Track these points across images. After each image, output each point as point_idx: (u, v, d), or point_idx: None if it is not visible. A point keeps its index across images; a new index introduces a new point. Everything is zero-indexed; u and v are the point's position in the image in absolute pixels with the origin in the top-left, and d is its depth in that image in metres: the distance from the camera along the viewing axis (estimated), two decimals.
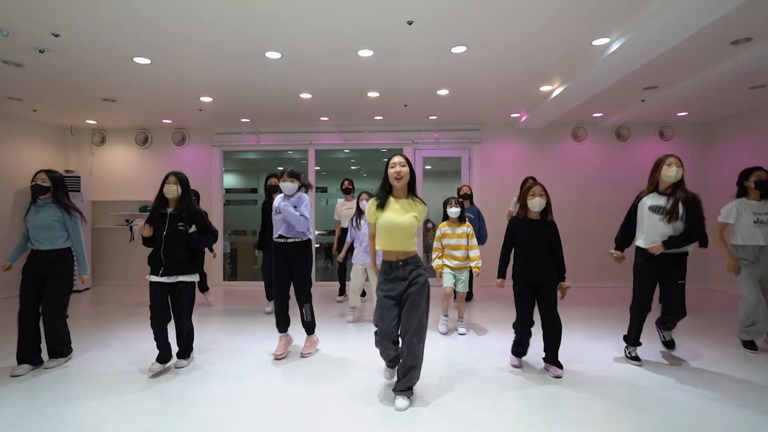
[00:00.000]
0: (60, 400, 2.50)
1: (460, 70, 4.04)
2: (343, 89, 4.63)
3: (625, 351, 3.19)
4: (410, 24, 3.06)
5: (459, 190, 5.16)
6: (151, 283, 2.92)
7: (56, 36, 3.19)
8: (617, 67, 3.74)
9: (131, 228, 6.33)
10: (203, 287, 4.96)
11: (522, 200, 2.96)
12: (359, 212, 4.18)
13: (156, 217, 2.95)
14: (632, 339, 3.13)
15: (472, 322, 4.24)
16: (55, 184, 3.01)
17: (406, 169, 2.48)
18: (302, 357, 3.20)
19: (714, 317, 4.47)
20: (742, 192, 3.46)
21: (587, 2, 2.83)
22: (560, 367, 2.90)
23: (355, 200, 5.26)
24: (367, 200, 4.01)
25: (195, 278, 3.03)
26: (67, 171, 6.47)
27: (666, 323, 3.19)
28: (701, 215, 2.87)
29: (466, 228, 3.83)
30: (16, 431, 2.14)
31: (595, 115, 5.92)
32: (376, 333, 2.55)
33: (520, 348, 3.04)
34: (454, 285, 3.82)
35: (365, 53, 3.60)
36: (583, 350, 3.39)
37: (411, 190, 2.53)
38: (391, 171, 2.49)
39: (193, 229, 2.95)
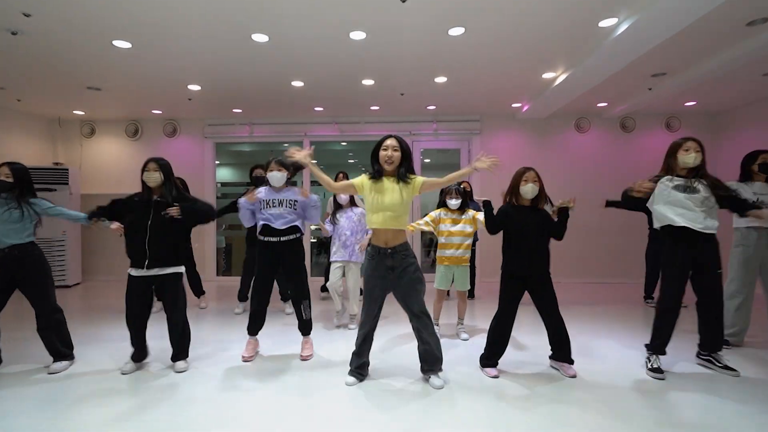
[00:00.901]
0: (46, 405, 2.34)
1: (459, 54, 3.84)
2: (337, 76, 4.43)
3: (646, 360, 2.79)
4: (404, 2, 2.86)
5: (459, 185, 4.84)
6: (132, 277, 2.73)
7: (27, 16, 2.99)
8: (625, 50, 3.52)
9: None
10: (198, 291, 4.66)
11: (514, 185, 2.76)
12: (337, 206, 3.92)
13: (139, 205, 2.73)
14: (658, 345, 2.73)
15: (473, 324, 3.98)
16: (19, 181, 2.79)
17: (398, 153, 2.42)
18: (303, 360, 2.97)
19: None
20: (746, 176, 3.27)
21: None
22: (572, 363, 2.73)
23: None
24: (344, 194, 3.85)
25: (182, 269, 2.84)
26: (56, 163, 6.29)
27: (711, 341, 2.76)
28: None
29: (470, 213, 3.47)
30: None
31: (599, 105, 5.70)
32: (361, 329, 2.49)
33: (492, 355, 2.75)
34: (452, 283, 3.48)
35: (357, 35, 3.40)
36: (590, 350, 3.21)
37: (404, 172, 2.47)
38: (382, 153, 2.43)
39: (175, 212, 2.69)
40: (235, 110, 5.91)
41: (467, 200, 3.51)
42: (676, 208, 2.63)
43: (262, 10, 2.99)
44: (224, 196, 7.32)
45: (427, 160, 7.84)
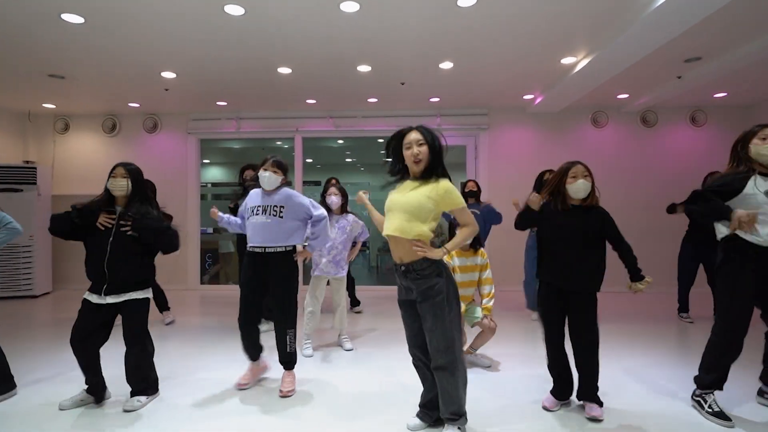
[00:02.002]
0: None
1: (468, 31, 3.31)
2: (328, 61, 3.91)
3: (700, 400, 2.23)
4: None
5: (464, 185, 4.27)
6: (86, 302, 2.25)
7: None
8: (663, 27, 3.00)
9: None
10: (162, 306, 4.09)
11: (554, 187, 2.24)
12: (327, 210, 3.28)
13: (96, 216, 2.26)
14: (715, 380, 2.19)
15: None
16: None
17: (425, 148, 1.89)
18: (282, 396, 2.45)
19: None
20: None
21: None
22: (600, 404, 2.21)
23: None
24: (337, 195, 3.28)
25: (148, 294, 2.34)
26: (26, 162, 5.78)
27: None
28: None
29: (480, 259, 2.84)
30: None
31: (619, 96, 5.18)
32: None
33: (562, 390, 2.29)
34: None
35: (350, 7, 2.87)
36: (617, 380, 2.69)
37: (431, 172, 1.91)
38: (407, 153, 1.91)
39: (128, 230, 2.24)
40: (219, 103, 5.40)
41: (479, 240, 2.84)
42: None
43: None
44: (216, 197, 6.82)
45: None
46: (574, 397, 2.33)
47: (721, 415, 2.12)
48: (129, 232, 2.24)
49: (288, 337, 2.52)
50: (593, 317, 2.18)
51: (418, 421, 2.08)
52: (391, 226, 1.90)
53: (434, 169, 1.91)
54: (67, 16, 2.95)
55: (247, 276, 2.53)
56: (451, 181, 1.93)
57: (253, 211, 2.50)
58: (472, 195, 4.13)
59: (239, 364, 2.77)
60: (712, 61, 3.93)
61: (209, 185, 7.30)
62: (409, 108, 5.63)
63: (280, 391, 2.48)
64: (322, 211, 2.60)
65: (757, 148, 2.10)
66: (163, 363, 2.81)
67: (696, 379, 2.29)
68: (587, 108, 5.60)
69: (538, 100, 5.12)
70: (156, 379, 2.44)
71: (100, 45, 3.49)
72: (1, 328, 3.86)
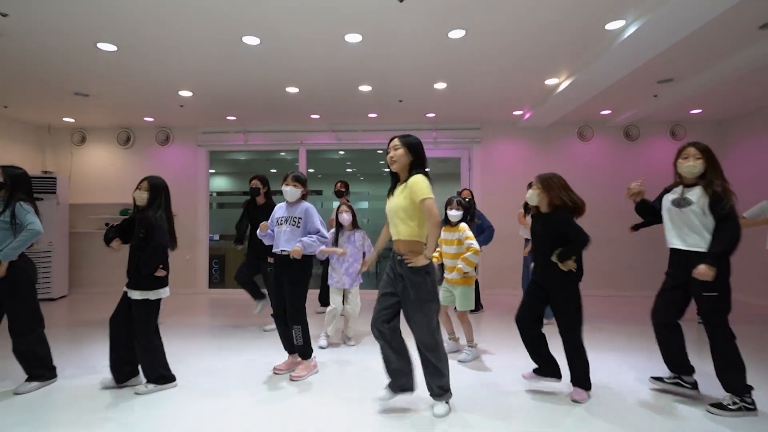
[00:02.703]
0: (31, 426, 2.16)
1: (459, 58, 3.69)
2: (333, 82, 4.28)
3: (741, 400, 2.31)
4: (401, 1, 2.72)
5: (459, 194, 4.62)
6: (123, 293, 2.66)
7: (4, 16, 2.84)
8: (632, 54, 3.38)
9: None
10: None
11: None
12: (339, 227, 3.64)
13: (129, 223, 2.68)
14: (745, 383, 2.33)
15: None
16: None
17: (400, 151, 2.24)
18: (291, 380, 2.79)
19: None
20: None
21: None
22: (585, 388, 2.51)
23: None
24: (348, 213, 3.63)
25: (150, 295, 2.59)
26: (45, 172, 6.12)
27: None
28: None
29: (459, 233, 3.20)
30: None
31: (603, 112, 5.57)
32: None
33: (538, 362, 2.63)
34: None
35: (353, 38, 3.25)
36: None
37: (412, 170, 2.26)
38: (388, 157, 2.30)
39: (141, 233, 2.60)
40: (229, 118, 5.76)
41: (470, 213, 3.28)
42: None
43: (252, 11, 2.85)
44: (220, 206, 7.16)
45: (426, 170, 7.69)
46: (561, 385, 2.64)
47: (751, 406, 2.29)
48: (141, 234, 2.59)
49: (294, 331, 2.84)
50: (566, 312, 2.48)
51: (387, 391, 2.36)
52: (393, 231, 2.31)
53: (415, 164, 2.26)
54: (102, 45, 3.32)
55: (274, 277, 2.90)
56: (426, 175, 2.24)
57: (278, 221, 2.89)
58: (465, 203, 4.47)
59: (245, 360, 3.08)
60: (683, 81, 4.30)
61: (214, 194, 7.64)
62: (407, 122, 6.00)
63: (290, 375, 2.82)
64: (326, 239, 2.90)
65: (679, 166, 2.47)
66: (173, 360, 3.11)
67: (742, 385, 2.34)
68: (574, 123, 5.98)
69: (527, 115, 5.49)
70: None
71: (127, 68, 3.86)
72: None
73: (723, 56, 3.66)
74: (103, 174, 6.31)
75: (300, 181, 2.88)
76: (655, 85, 4.43)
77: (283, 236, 2.82)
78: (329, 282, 3.66)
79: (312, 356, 2.94)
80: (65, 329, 4.18)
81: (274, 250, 2.88)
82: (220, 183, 9.09)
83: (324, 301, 4.77)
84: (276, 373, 2.90)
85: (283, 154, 7.00)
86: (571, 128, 6.02)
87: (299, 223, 2.83)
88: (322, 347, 3.51)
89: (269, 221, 2.95)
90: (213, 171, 7.49)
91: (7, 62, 3.69)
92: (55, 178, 5.73)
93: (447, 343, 3.26)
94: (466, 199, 4.47)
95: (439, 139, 6.07)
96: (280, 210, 2.94)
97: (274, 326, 3.92)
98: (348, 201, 4.46)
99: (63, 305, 5.39)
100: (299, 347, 2.87)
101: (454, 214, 3.20)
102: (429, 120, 5.92)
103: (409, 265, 2.18)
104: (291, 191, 2.85)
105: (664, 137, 5.98)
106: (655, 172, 6.01)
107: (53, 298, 5.59)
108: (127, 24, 3.01)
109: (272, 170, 9.99)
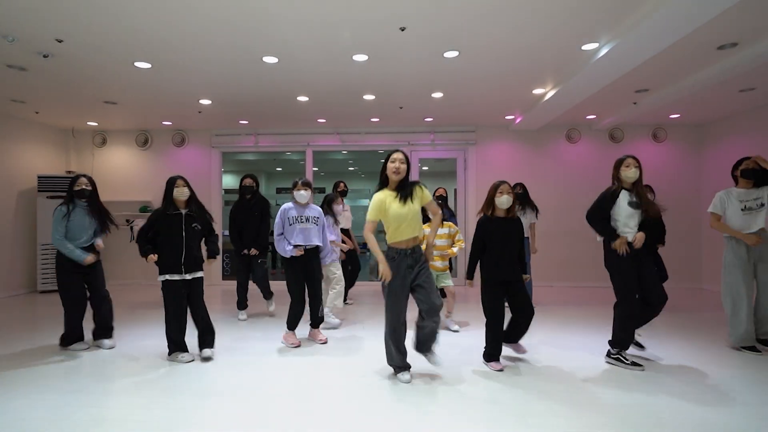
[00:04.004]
0: (71, 393, 2.58)
1: (454, 73, 4.13)
2: (340, 92, 4.72)
3: (619, 357, 3.04)
4: (403, 30, 3.15)
5: (435, 192, 5.07)
6: (169, 282, 3.05)
7: (60, 42, 3.27)
8: (607, 71, 3.82)
9: (131, 228, 6.43)
10: None
11: (489, 198, 3.01)
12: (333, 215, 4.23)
13: (169, 218, 3.05)
14: (625, 341, 3.04)
15: (464, 319, 4.32)
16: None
17: (405, 166, 2.72)
18: (323, 343, 3.53)
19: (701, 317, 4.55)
20: (735, 182, 3.49)
21: (575, 8, 2.92)
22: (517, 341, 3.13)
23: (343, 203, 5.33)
24: (343, 204, 4.27)
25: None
26: (69, 172, 6.56)
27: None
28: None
29: (448, 229, 3.87)
30: (26, 422, 2.23)
31: (588, 117, 6.01)
32: (391, 332, 2.74)
33: (496, 350, 3.01)
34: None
35: (360, 58, 3.69)
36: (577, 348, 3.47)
37: (401, 186, 2.74)
38: (391, 165, 2.72)
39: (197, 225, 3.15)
40: (241, 122, 6.19)
41: (446, 209, 3.90)
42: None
43: (273, 35, 3.28)
44: (227, 203, 7.59)
45: (424, 168, 8.13)
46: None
47: (636, 364, 2.98)
48: (197, 227, 3.11)
49: (321, 308, 3.60)
50: (528, 293, 3.04)
51: (408, 375, 2.78)
52: (412, 230, 2.70)
53: (405, 180, 2.72)
54: (139, 63, 3.76)
55: (296, 268, 3.44)
56: (418, 183, 2.78)
57: (298, 220, 3.45)
58: (441, 199, 4.96)
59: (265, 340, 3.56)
60: (658, 91, 4.74)
61: (223, 192, 8.06)
62: (407, 125, 6.43)
63: (320, 340, 3.59)
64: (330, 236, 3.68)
65: (623, 172, 2.98)
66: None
67: (611, 343, 3.08)
68: (562, 126, 6.42)
69: (519, 119, 5.93)
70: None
71: (157, 82, 4.30)
72: (49, 316, 4.56)
73: (689, 72, 4.10)
74: (123, 173, 6.75)
75: (309, 186, 3.54)
76: (633, 93, 4.86)
77: (311, 233, 3.45)
78: (333, 258, 4.10)
79: None
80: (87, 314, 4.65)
81: (304, 244, 3.43)
82: (228, 181, 9.50)
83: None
84: (298, 346, 3.46)
85: (288, 154, 7.43)
86: (559, 131, 6.46)
87: (318, 221, 3.52)
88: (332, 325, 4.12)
89: (282, 219, 3.46)
90: (223, 170, 7.92)
91: (53, 78, 4.13)
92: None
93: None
94: (441, 196, 4.97)
95: (436, 141, 6.51)
96: (293, 210, 3.48)
97: (246, 316, 4.48)
98: (345, 187, 5.14)
99: None
100: (321, 318, 3.61)
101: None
102: (427, 123, 6.35)
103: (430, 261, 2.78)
104: (304, 195, 3.48)
105: (646, 139, 6.42)
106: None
107: None
108: (161, 45, 3.44)
109: (278, 168, 10.44)
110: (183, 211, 3.10)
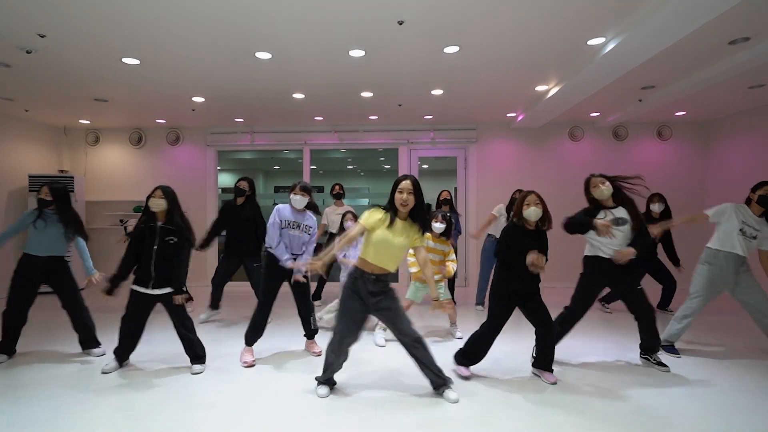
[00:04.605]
0: (53, 404, 2.47)
1: (454, 70, 3.99)
2: (337, 89, 4.58)
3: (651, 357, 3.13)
4: (401, 24, 3.01)
5: (439, 195, 5.01)
6: (134, 292, 2.92)
7: (42, 37, 3.13)
8: (613, 67, 3.68)
9: (125, 228, 6.30)
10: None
11: (517, 210, 2.82)
12: (343, 231, 4.09)
13: (144, 230, 2.92)
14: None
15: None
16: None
17: (413, 197, 2.47)
18: (318, 355, 3.32)
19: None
20: (747, 202, 3.36)
21: (581, 1, 2.77)
22: (552, 371, 2.88)
23: (345, 205, 5.20)
24: (353, 221, 4.05)
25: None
26: (61, 171, 6.42)
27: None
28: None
29: (446, 247, 3.70)
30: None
31: (592, 114, 5.86)
32: (334, 342, 2.57)
33: (470, 356, 2.89)
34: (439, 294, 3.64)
35: (357, 53, 3.55)
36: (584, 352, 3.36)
37: (413, 215, 2.54)
38: (398, 197, 2.48)
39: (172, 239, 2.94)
40: (237, 119, 6.05)
41: (450, 228, 3.68)
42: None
43: (265, 30, 3.14)
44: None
45: (425, 166, 8.00)
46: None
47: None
48: (173, 241, 2.92)
49: (312, 317, 3.35)
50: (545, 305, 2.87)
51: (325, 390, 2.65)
52: (387, 261, 2.50)
53: (416, 210, 2.50)
54: (126, 59, 3.62)
55: (273, 274, 3.21)
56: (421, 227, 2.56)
57: (289, 224, 3.21)
58: (446, 203, 4.89)
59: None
60: (664, 88, 4.60)
61: (220, 191, 7.94)
62: (406, 123, 6.29)
63: (314, 353, 3.38)
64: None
65: (594, 192, 3.06)
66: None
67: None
68: (565, 124, 6.28)
69: (520, 117, 5.79)
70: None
71: (146, 78, 4.16)
72: (42, 320, 4.47)
73: (698, 67, 3.96)
74: (117, 172, 6.61)
75: (307, 191, 3.23)
76: (639, 90, 4.72)
77: (296, 241, 3.23)
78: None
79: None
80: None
81: (292, 252, 3.22)
82: (224, 179, 9.39)
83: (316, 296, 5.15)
84: (252, 366, 3.12)
85: (286, 152, 7.29)
86: (562, 129, 6.32)
87: (309, 231, 3.28)
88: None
89: (276, 218, 3.20)
90: (218, 168, 7.79)
91: (38, 74, 3.99)
92: (72, 177, 6.04)
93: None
94: (445, 199, 4.84)
95: (436, 139, 6.37)
96: (287, 212, 3.22)
97: (207, 315, 4.36)
98: (342, 203, 5.02)
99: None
100: (316, 330, 3.37)
101: (438, 227, 3.59)
102: (427, 121, 6.21)
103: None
104: (301, 200, 3.21)
105: (651, 137, 6.28)
106: (642, 171, 6.30)
107: None
108: (150, 40, 3.29)
109: (276, 167, 10.31)
110: (159, 224, 2.92)
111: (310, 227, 3.27)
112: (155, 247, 2.88)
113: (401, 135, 6.36)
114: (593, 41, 3.37)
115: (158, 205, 2.91)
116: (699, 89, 4.47)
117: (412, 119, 6.07)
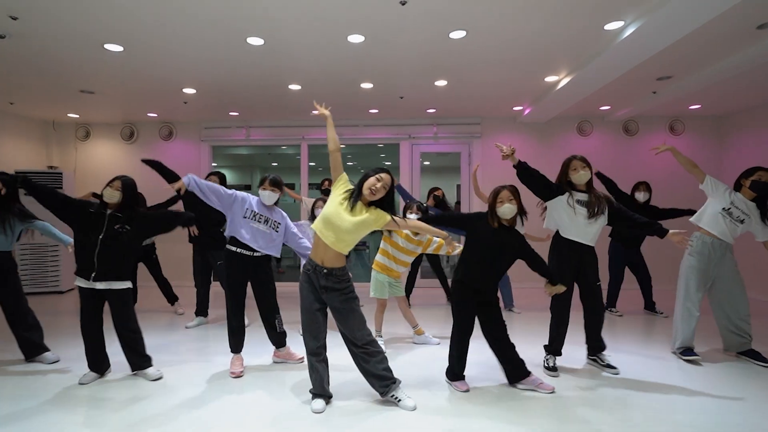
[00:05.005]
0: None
1: (460, 57, 3.74)
2: (335, 80, 4.33)
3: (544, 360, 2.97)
4: (404, 4, 2.76)
5: (431, 191, 4.84)
6: (81, 289, 2.67)
7: (14, 19, 2.89)
8: (631, 54, 3.43)
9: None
10: (171, 298, 4.61)
11: (491, 208, 2.56)
12: (314, 219, 3.88)
13: (93, 215, 2.64)
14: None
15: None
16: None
17: (385, 192, 2.31)
18: (299, 362, 3.05)
19: None
20: (736, 189, 3.20)
21: None
22: (530, 373, 2.67)
23: None
24: (323, 208, 3.77)
25: (128, 285, 2.75)
26: (50, 167, 6.19)
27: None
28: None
29: (418, 247, 3.39)
30: None
31: (602, 108, 5.61)
32: (305, 343, 2.37)
33: (460, 368, 2.65)
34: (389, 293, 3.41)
35: (356, 39, 3.30)
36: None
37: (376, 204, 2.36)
38: (371, 181, 2.29)
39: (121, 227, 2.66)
40: (231, 113, 5.81)
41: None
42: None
43: (257, 13, 2.90)
44: None
45: (426, 163, 7.75)
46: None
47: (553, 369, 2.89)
48: (123, 230, 2.64)
49: (277, 320, 3.02)
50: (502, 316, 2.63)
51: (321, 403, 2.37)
52: (333, 240, 2.27)
53: (385, 204, 2.34)
54: (109, 46, 3.38)
55: (235, 273, 2.87)
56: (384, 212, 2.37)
57: (255, 217, 2.87)
58: (437, 200, 4.73)
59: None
60: (682, 79, 4.35)
61: None
62: (407, 117, 6.04)
63: (287, 359, 3.10)
64: (305, 243, 3.09)
65: (573, 175, 2.89)
66: (181, 350, 3.22)
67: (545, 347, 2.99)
68: (573, 118, 6.03)
69: (527, 111, 5.54)
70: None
71: (132, 67, 3.91)
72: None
73: (721, 55, 3.71)
74: (108, 169, 6.36)
75: (278, 185, 2.93)
76: (654, 81, 4.47)
77: (261, 237, 2.87)
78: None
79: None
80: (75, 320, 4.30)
81: (251, 246, 2.83)
82: None
83: None
84: (239, 377, 2.84)
85: (284, 148, 7.05)
86: (570, 123, 6.07)
87: (278, 227, 2.95)
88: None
89: (239, 198, 2.89)
90: (214, 164, 7.56)
91: (15, 61, 3.74)
92: (61, 174, 5.81)
93: (417, 337, 3.53)
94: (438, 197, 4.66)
95: (439, 134, 6.12)
96: (254, 204, 2.91)
97: (196, 323, 4.08)
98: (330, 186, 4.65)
99: (72, 297, 5.50)
100: (281, 334, 3.05)
101: (414, 217, 3.27)
102: (429, 115, 5.96)
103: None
104: (270, 195, 2.90)
105: (663, 132, 6.02)
106: (653, 167, 6.09)
107: (61, 291, 5.70)
108: (133, 25, 3.06)
109: (273, 164, 10.07)
110: (109, 212, 2.66)
111: (279, 223, 2.95)
112: (101, 236, 2.61)
113: (403, 130, 6.11)
114: (611, 25, 3.12)
115: (112, 197, 2.66)
116: (718, 80, 4.22)
117: (414, 113, 5.82)
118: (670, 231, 2.72)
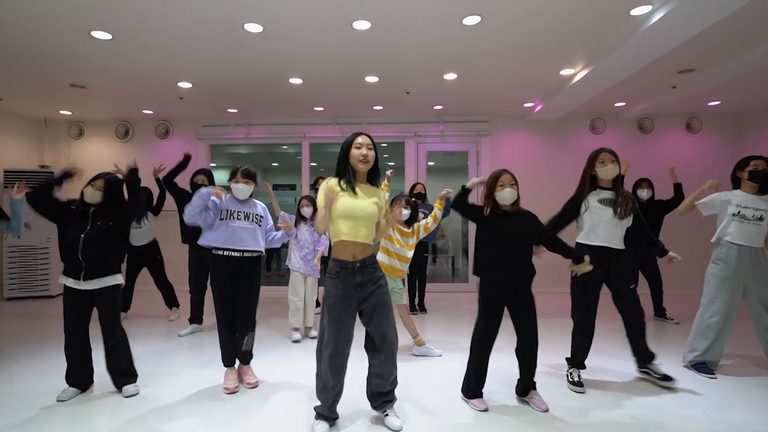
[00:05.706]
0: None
1: (473, 46, 3.50)
2: (338, 73, 4.10)
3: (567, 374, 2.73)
4: None
5: (413, 188, 4.63)
6: (66, 289, 2.45)
7: None
8: (655, 43, 3.20)
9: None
10: (171, 302, 4.37)
11: (489, 192, 2.35)
12: (300, 217, 3.75)
13: (75, 213, 2.47)
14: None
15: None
16: None
17: (373, 153, 2.14)
18: (253, 387, 2.67)
19: None
20: (735, 185, 2.95)
21: None
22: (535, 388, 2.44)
23: None
24: (309, 207, 3.68)
25: (121, 280, 2.57)
26: (42, 166, 5.96)
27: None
28: None
29: (415, 225, 3.21)
30: None
31: (617, 104, 5.37)
32: (325, 358, 2.07)
33: (477, 382, 2.39)
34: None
35: (361, 25, 3.07)
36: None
37: (373, 178, 2.20)
38: (356, 152, 2.10)
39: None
40: (230, 110, 5.58)
41: (417, 214, 3.25)
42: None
43: None
44: None
45: (431, 163, 7.51)
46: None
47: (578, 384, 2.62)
48: (105, 224, 2.46)
49: (247, 338, 2.69)
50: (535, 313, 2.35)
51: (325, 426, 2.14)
52: (357, 231, 2.07)
53: (374, 172, 2.19)
54: (96, 33, 3.15)
55: (223, 277, 2.61)
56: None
57: (232, 215, 2.63)
58: (420, 197, 4.49)
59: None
60: (705, 72, 4.11)
61: None
62: (413, 114, 5.81)
63: (248, 383, 2.69)
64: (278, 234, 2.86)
65: (600, 168, 2.68)
66: (173, 358, 2.97)
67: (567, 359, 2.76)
68: (585, 115, 5.79)
69: (538, 108, 5.30)
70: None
71: (123, 58, 3.69)
72: (22, 326, 4.04)
73: (750, 45, 3.47)
74: (102, 168, 5.98)
75: (251, 177, 2.70)
76: (675, 75, 4.23)
77: (247, 234, 2.64)
78: (288, 264, 3.72)
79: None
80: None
81: (233, 247, 2.60)
82: (220, 176, 8.94)
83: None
84: (233, 393, 2.57)
85: (285, 147, 6.82)
86: (582, 121, 5.83)
87: (261, 221, 2.74)
88: (297, 341, 3.60)
89: (212, 210, 2.63)
90: (213, 164, 7.32)
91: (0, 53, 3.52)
92: (52, 173, 5.58)
93: (417, 348, 3.27)
94: (420, 193, 4.47)
95: (446, 132, 5.89)
96: (231, 202, 2.68)
97: (189, 330, 3.82)
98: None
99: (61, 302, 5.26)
100: (248, 352, 2.72)
101: (404, 213, 3.13)
102: (436, 112, 5.73)
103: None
104: (244, 189, 2.66)
105: (679, 130, 5.78)
106: (669, 166, 5.82)
107: (51, 295, 5.46)
108: (121, 10, 2.83)
109: (274, 164, 9.83)
110: (92, 209, 2.49)
111: (261, 216, 2.73)
112: (83, 235, 2.41)
113: (408, 128, 5.87)
114: (637, 10, 2.89)
115: (93, 197, 2.49)
116: (744, 73, 3.98)
117: (420, 110, 5.59)
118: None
